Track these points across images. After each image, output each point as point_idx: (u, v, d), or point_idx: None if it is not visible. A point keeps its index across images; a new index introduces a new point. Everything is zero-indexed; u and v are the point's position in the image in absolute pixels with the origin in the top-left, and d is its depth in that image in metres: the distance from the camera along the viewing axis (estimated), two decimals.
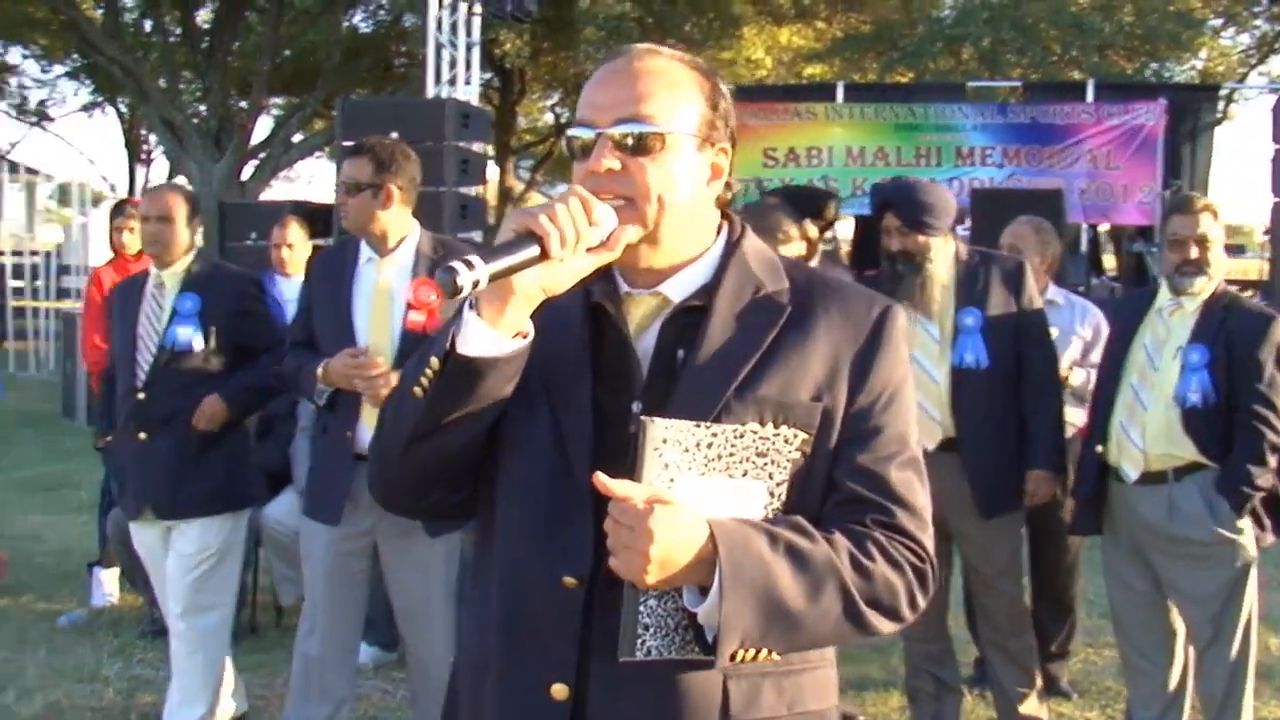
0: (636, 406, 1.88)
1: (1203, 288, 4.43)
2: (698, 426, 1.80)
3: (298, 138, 25.83)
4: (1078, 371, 5.30)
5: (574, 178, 1.89)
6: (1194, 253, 4.40)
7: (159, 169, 35.21)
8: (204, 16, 26.76)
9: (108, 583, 6.93)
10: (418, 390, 1.85)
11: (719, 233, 1.98)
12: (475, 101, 14.06)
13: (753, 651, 1.80)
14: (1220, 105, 21.21)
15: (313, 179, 60.71)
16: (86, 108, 34.29)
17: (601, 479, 1.74)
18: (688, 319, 1.91)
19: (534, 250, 1.76)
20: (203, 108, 25.77)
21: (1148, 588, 4.57)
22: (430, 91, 14.01)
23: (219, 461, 4.93)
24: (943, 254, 4.74)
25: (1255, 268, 25.70)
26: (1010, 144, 15.75)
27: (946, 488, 4.72)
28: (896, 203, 4.80)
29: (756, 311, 1.92)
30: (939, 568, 4.75)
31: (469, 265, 1.70)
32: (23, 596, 6.96)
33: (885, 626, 1.88)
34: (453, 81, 14.18)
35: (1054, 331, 5.03)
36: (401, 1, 22.54)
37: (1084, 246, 15.40)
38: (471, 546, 2.13)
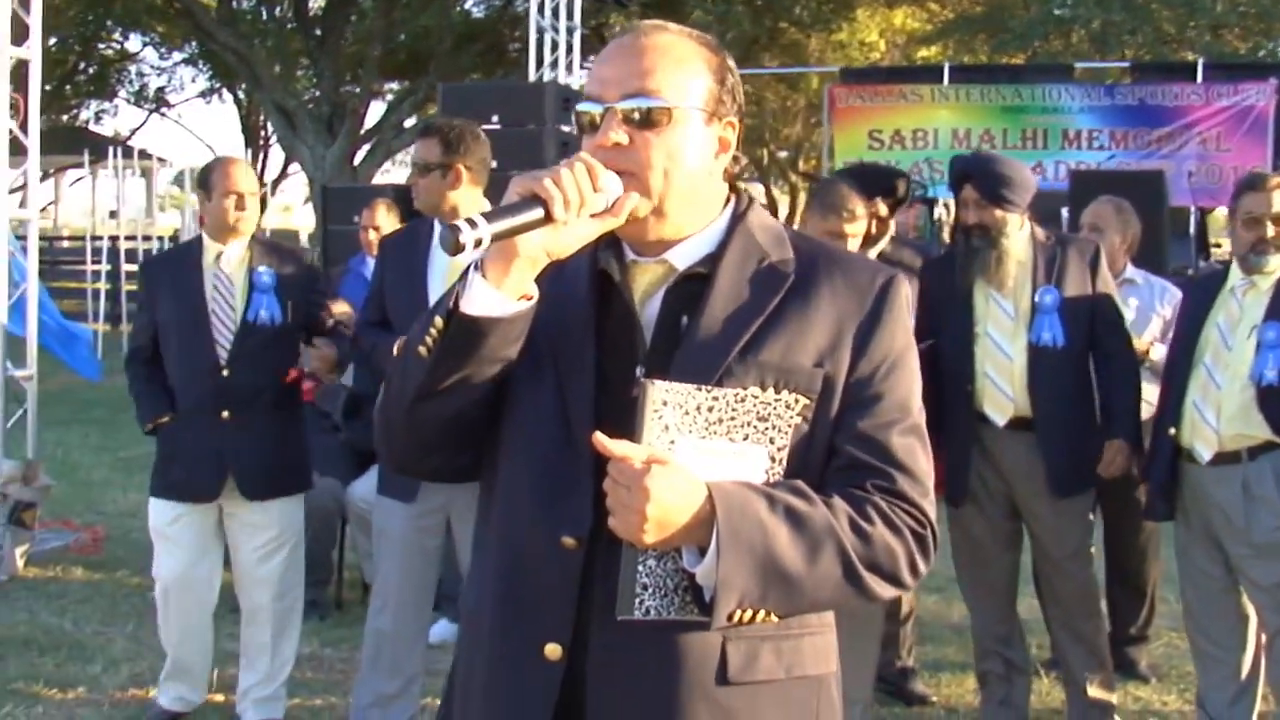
0: (639, 370, 1.90)
1: (1277, 266, 4.34)
2: (699, 390, 1.81)
3: (409, 122, 26.04)
4: (1158, 347, 5.23)
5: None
6: (1270, 231, 4.32)
7: (276, 154, 35.95)
8: (317, 2, 27.17)
9: None
10: (422, 349, 1.87)
11: (726, 204, 2.00)
12: (577, 85, 14.14)
13: (750, 613, 1.80)
14: None
15: None
16: (204, 94, 35.12)
17: (600, 439, 1.76)
18: (692, 286, 1.93)
19: (538, 213, 1.79)
20: (316, 93, 26.21)
21: (1220, 573, 4.50)
22: (533, 75, 14.14)
23: (297, 440, 4.99)
24: (1019, 231, 4.71)
25: None
26: (1118, 126, 15.47)
27: (1018, 466, 4.71)
28: (975, 175, 4.76)
29: (760, 279, 1.93)
30: (1007, 549, 4.81)
31: (472, 224, 1.73)
32: (117, 572, 7.08)
33: (886, 591, 1.89)
34: (554, 65, 14.30)
35: (1133, 304, 4.95)
36: None
37: (1192, 229, 15.09)
38: None
